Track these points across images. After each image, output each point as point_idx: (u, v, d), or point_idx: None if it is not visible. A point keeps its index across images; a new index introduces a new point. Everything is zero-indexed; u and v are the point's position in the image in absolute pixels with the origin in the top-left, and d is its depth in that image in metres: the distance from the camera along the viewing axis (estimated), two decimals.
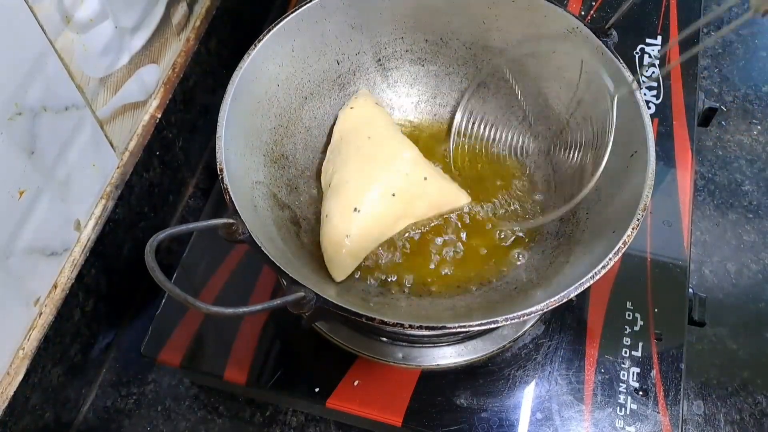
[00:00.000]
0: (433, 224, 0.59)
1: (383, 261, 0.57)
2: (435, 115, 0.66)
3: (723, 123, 0.85)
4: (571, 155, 0.59)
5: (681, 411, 0.54)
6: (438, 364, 0.56)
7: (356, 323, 0.50)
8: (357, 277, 0.56)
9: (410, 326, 0.42)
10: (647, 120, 0.51)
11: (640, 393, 0.55)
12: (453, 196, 0.59)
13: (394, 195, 0.56)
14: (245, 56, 0.53)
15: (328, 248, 0.54)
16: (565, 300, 0.44)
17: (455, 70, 0.65)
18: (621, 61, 0.54)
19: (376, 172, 0.57)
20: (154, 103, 0.65)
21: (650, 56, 0.74)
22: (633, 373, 0.56)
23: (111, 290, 0.63)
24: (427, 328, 0.42)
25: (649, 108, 0.58)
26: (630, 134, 0.52)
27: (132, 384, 0.64)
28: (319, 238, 0.56)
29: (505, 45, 0.61)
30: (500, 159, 0.63)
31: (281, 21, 0.56)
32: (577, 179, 0.58)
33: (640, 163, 0.50)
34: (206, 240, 0.63)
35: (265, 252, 0.44)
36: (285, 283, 0.43)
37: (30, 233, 0.50)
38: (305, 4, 0.57)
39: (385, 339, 0.57)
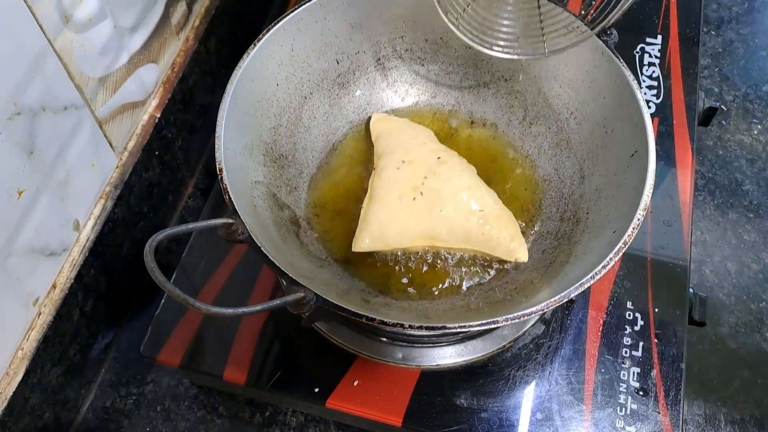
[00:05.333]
0: None
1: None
2: (435, 114, 0.65)
3: (723, 122, 0.85)
4: (570, 155, 0.59)
5: (681, 411, 0.54)
6: (438, 364, 0.56)
7: (356, 323, 0.50)
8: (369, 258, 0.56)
9: (410, 326, 0.42)
10: (647, 119, 0.51)
11: (641, 393, 0.55)
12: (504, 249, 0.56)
13: (441, 211, 0.55)
14: (244, 56, 0.53)
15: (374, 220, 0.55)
16: (565, 300, 0.43)
17: (455, 69, 0.65)
18: (621, 60, 0.54)
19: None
20: (154, 102, 0.64)
21: (650, 55, 0.74)
22: (633, 373, 0.56)
23: (110, 290, 0.63)
24: (427, 328, 0.42)
25: (649, 107, 0.57)
26: (630, 134, 0.52)
27: (131, 384, 0.64)
28: (365, 202, 0.57)
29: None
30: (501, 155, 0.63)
31: (280, 20, 0.56)
32: (577, 177, 0.58)
33: (641, 162, 0.50)
34: (206, 240, 0.63)
35: (265, 252, 0.44)
36: (284, 284, 0.43)
37: (29, 233, 0.50)
38: (305, 4, 0.57)
39: (384, 339, 0.57)
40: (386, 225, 0.55)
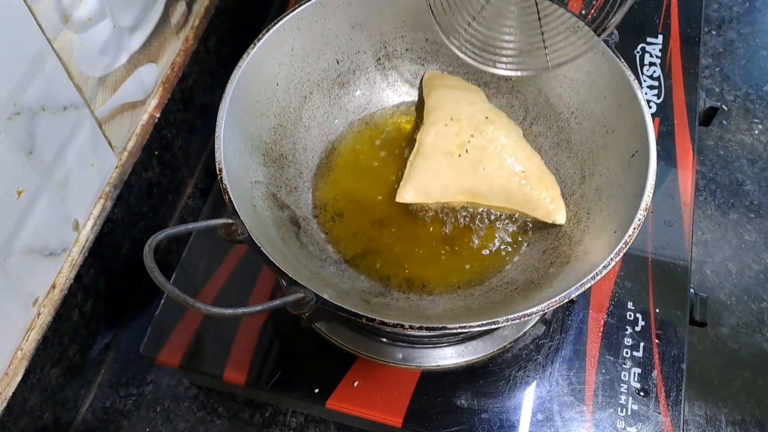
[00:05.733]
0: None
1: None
2: None
3: (724, 122, 0.85)
4: (571, 155, 0.59)
5: (682, 411, 0.54)
6: (438, 365, 0.56)
7: (356, 324, 0.50)
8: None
9: (410, 327, 0.42)
10: (648, 119, 0.51)
11: (642, 393, 0.55)
12: (544, 210, 0.57)
13: (484, 169, 0.56)
14: (244, 55, 0.53)
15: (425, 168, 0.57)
16: (566, 300, 0.43)
17: (455, 69, 0.65)
18: (622, 60, 0.54)
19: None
20: (153, 102, 0.64)
21: (651, 55, 0.74)
22: (634, 373, 0.56)
23: (110, 290, 0.62)
24: (428, 328, 0.42)
25: (650, 107, 0.57)
26: (631, 134, 0.52)
27: (131, 385, 0.64)
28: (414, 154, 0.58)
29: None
30: None
31: (281, 20, 0.56)
32: (577, 177, 0.58)
33: (641, 162, 0.50)
34: (205, 240, 0.63)
35: (265, 252, 0.44)
36: (284, 284, 0.42)
37: (28, 233, 0.50)
38: (305, 4, 0.57)
39: (385, 339, 0.57)
40: (430, 179, 0.57)
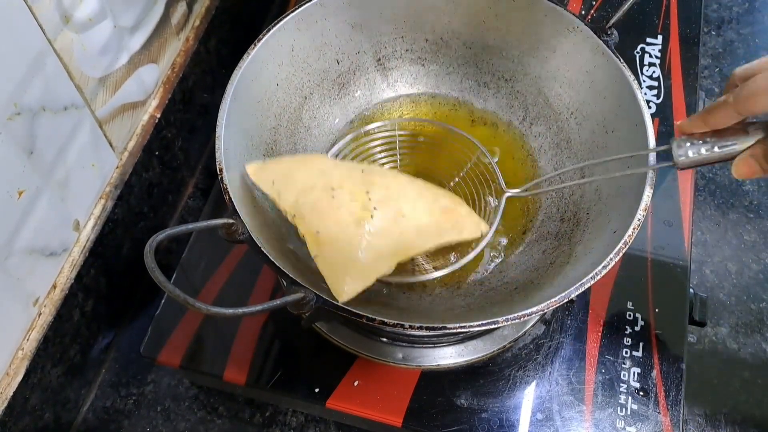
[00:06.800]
0: None
1: None
2: (435, 114, 0.65)
3: None
4: (571, 155, 0.59)
5: (682, 411, 0.54)
6: (438, 365, 0.56)
7: (356, 324, 0.50)
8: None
9: (410, 326, 0.42)
10: (648, 120, 0.51)
11: (641, 393, 0.55)
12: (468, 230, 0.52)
13: (403, 216, 0.50)
14: (245, 56, 0.53)
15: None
16: (565, 300, 0.43)
17: (455, 69, 0.65)
18: (621, 60, 0.54)
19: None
20: (154, 102, 0.64)
21: (651, 56, 0.74)
22: (634, 373, 0.56)
23: (110, 290, 0.63)
24: (428, 328, 0.42)
25: (649, 108, 0.57)
26: (631, 134, 0.52)
27: (131, 384, 0.64)
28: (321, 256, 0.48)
29: (506, 44, 0.61)
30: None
31: (281, 20, 0.56)
32: (577, 177, 0.58)
33: (641, 163, 0.50)
34: (206, 240, 0.63)
35: (265, 252, 0.44)
36: (285, 284, 0.43)
37: (29, 233, 0.50)
38: (305, 4, 0.57)
39: (385, 339, 0.57)
40: (358, 257, 0.47)
